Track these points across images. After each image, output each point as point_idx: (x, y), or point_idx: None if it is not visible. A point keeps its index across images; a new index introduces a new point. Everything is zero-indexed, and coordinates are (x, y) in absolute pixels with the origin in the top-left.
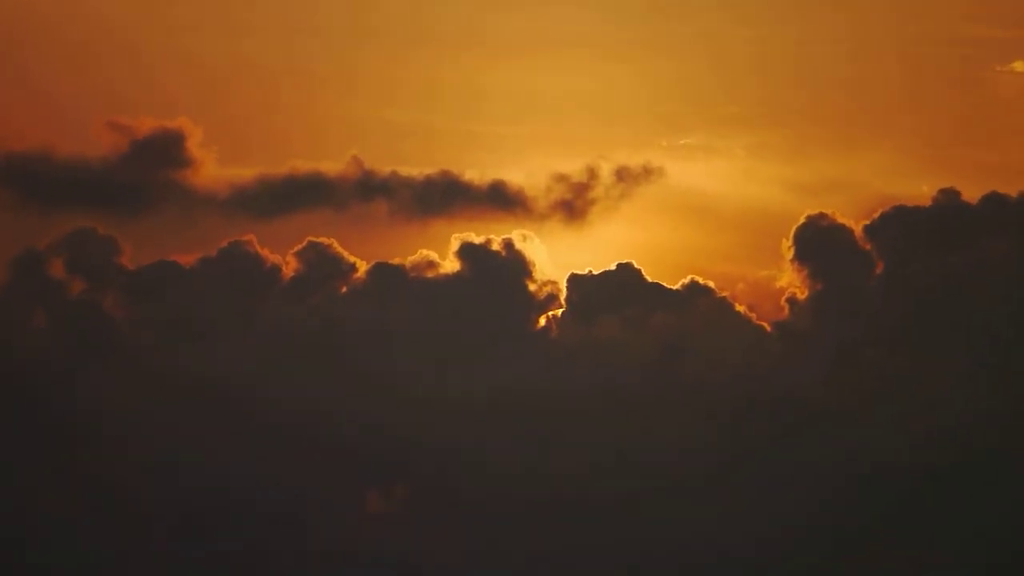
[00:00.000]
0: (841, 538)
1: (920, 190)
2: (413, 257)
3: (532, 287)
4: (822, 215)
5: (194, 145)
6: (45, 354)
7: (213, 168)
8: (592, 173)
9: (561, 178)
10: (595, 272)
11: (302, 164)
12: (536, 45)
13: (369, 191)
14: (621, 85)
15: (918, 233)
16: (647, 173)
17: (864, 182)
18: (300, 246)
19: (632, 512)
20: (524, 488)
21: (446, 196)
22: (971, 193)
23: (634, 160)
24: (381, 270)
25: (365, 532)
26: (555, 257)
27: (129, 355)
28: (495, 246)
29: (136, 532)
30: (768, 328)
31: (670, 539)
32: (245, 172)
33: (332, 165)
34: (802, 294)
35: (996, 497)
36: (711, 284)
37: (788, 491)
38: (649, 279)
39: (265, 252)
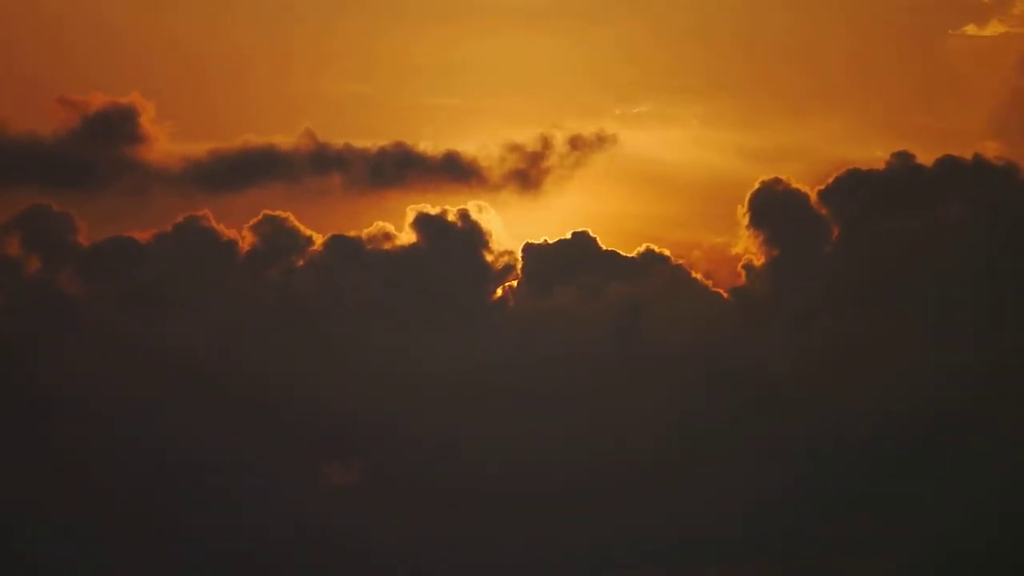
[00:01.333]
0: (801, 505)
1: (874, 154)
2: (369, 229)
3: (489, 257)
4: (776, 180)
5: (147, 121)
6: (2, 331)
7: (166, 143)
8: (546, 142)
9: (515, 148)
10: (550, 241)
11: (255, 138)
12: (486, 16)
13: (323, 164)
14: (573, 54)
15: (873, 197)
16: (600, 141)
17: (818, 148)
18: (256, 220)
19: (590, 480)
20: (481, 458)
21: (400, 167)
22: (925, 156)
23: (587, 129)
24: (337, 242)
25: (322, 505)
26: (510, 227)
27: (86, 331)
28: (451, 217)
29: (95, 504)
30: (725, 295)
31: (628, 505)
32: (198, 147)
33: (285, 139)
34: (758, 260)
35: (957, 460)
36: (667, 252)
37: (747, 457)
38: (604, 247)
39: (220, 227)
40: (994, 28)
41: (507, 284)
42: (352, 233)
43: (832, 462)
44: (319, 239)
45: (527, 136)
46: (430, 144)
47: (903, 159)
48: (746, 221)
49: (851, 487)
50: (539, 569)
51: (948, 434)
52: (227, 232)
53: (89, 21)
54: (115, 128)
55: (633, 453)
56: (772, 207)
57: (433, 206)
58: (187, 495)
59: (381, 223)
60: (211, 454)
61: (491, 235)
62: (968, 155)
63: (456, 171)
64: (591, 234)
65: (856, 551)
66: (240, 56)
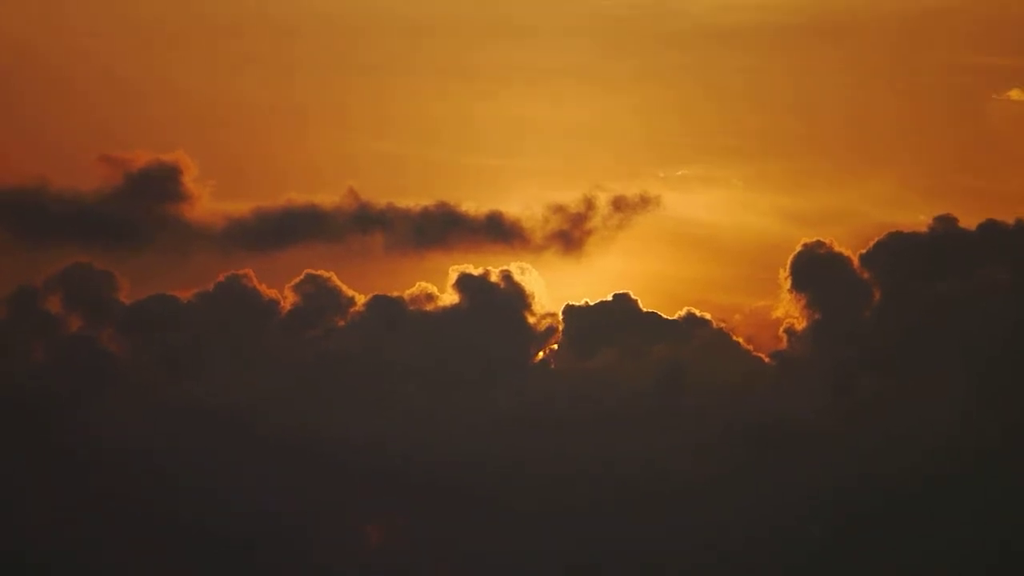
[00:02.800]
0: (836, 569)
1: (917, 218)
2: (411, 290)
3: (531, 319)
4: (819, 243)
5: (190, 179)
6: (44, 390)
7: (209, 202)
8: (589, 203)
9: (558, 209)
10: (591, 303)
11: (298, 197)
12: (530, 76)
13: (366, 223)
14: (617, 116)
15: (915, 260)
16: (644, 203)
17: (862, 211)
18: (298, 279)
19: (632, 542)
20: (523, 517)
21: (443, 228)
22: (968, 220)
23: (631, 190)
24: (379, 303)
25: (362, 558)
26: (552, 288)
27: (127, 390)
28: (493, 278)
29: (138, 559)
30: (766, 359)
31: (665, 564)
32: (241, 206)
33: (328, 198)
34: (800, 324)
35: (990, 521)
36: (708, 315)
37: (786, 523)
38: (645, 310)
39: (262, 286)
40: None
41: (549, 347)
42: (394, 293)
43: (874, 523)
44: (361, 299)
45: (570, 197)
46: (473, 205)
47: (946, 223)
48: (788, 284)
49: (887, 549)
50: None
51: (986, 495)
52: (268, 292)
53: (133, 79)
54: (158, 186)
55: (672, 510)
56: (814, 271)
57: (476, 267)
58: (229, 544)
59: (423, 284)
60: (253, 508)
61: (533, 297)
62: (1011, 219)
63: (499, 232)
64: (632, 296)
65: None
66: (284, 115)
